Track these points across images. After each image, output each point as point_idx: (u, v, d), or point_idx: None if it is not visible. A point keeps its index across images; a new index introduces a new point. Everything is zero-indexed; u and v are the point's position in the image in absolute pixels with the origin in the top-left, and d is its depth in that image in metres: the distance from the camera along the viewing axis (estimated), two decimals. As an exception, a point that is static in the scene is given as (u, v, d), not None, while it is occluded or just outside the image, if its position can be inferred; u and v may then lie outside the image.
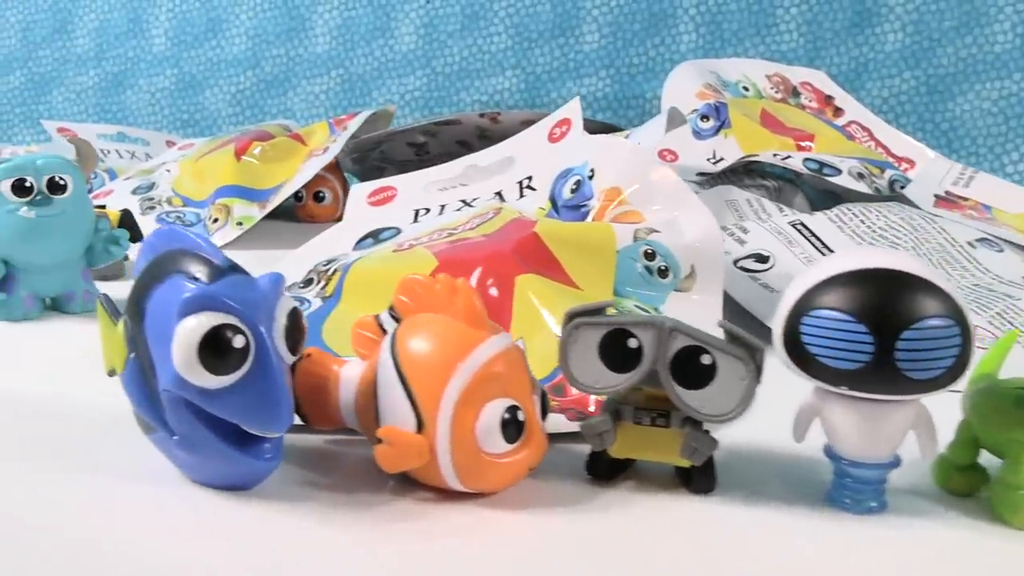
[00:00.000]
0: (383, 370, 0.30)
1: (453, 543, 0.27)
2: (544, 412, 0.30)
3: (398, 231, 0.56)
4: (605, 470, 0.31)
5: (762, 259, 0.55)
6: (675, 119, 0.66)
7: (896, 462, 0.29)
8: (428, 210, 0.57)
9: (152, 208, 0.76)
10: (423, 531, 0.28)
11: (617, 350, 0.29)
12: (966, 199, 0.67)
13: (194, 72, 1.06)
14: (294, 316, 0.29)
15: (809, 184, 0.79)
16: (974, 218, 0.63)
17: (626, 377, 0.29)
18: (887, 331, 0.26)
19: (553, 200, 0.53)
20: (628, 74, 0.99)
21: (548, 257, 0.45)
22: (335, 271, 0.51)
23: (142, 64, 1.07)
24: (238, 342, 0.27)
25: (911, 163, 0.85)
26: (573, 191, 0.52)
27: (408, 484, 0.30)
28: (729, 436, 0.33)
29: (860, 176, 0.73)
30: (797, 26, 0.96)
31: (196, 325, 0.27)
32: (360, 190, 0.61)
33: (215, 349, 0.27)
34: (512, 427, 0.28)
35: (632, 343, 0.29)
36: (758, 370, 0.28)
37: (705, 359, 0.28)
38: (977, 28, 0.92)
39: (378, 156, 0.90)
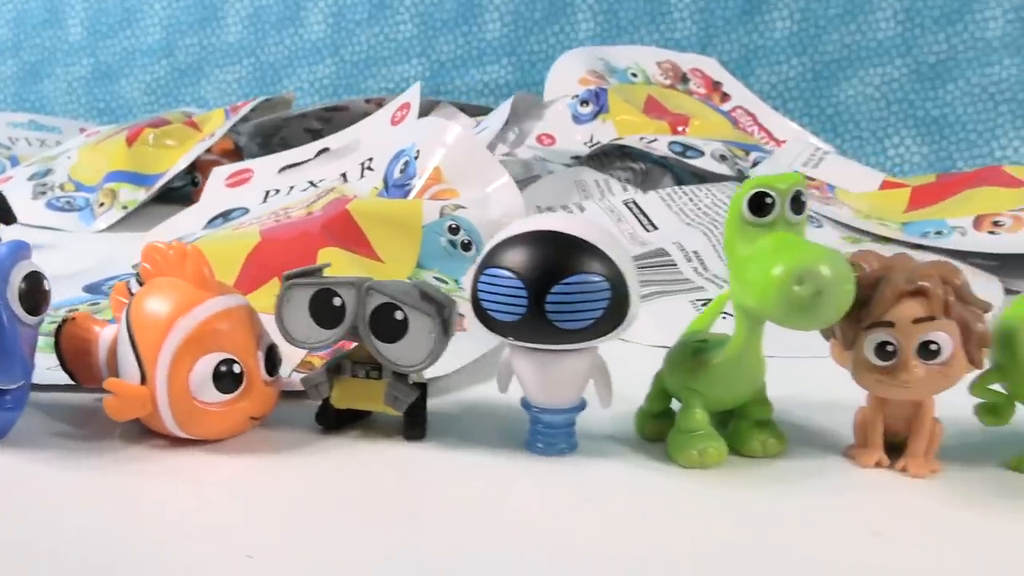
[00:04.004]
0: (120, 330, 0.32)
1: (169, 482, 0.30)
2: (272, 367, 0.33)
3: (246, 211, 0.59)
4: (331, 420, 0.34)
5: (590, 235, 0.57)
6: (521, 104, 0.68)
7: (581, 406, 0.32)
8: (278, 191, 0.60)
9: (43, 193, 0.79)
10: (144, 472, 0.31)
11: (325, 308, 0.31)
12: (813, 179, 0.69)
13: (110, 61, 1.08)
14: (32, 279, 0.32)
15: (681, 167, 0.82)
16: (815, 197, 0.66)
17: (332, 333, 0.31)
18: (537, 286, 0.29)
19: (386, 180, 0.56)
20: (529, 62, 1.01)
21: (357, 232, 0.48)
22: (179, 248, 0.53)
23: (59, 54, 1.09)
24: (-33, 301, 0.30)
25: (791, 146, 0.88)
26: (402, 171, 0.55)
27: (147, 433, 0.33)
28: (458, 391, 0.36)
29: (723, 158, 0.75)
30: (690, 14, 0.99)
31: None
32: (220, 172, 0.64)
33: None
34: (228, 379, 0.31)
35: (337, 301, 0.31)
36: (445, 324, 0.31)
37: (398, 315, 0.31)
38: (860, 15, 0.95)
39: (279, 141, 0.93)
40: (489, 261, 0.30)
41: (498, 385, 0.33)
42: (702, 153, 0.75)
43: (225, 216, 0.59)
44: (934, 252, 0.57)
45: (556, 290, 0.29)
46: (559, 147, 0.83)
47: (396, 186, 0.54)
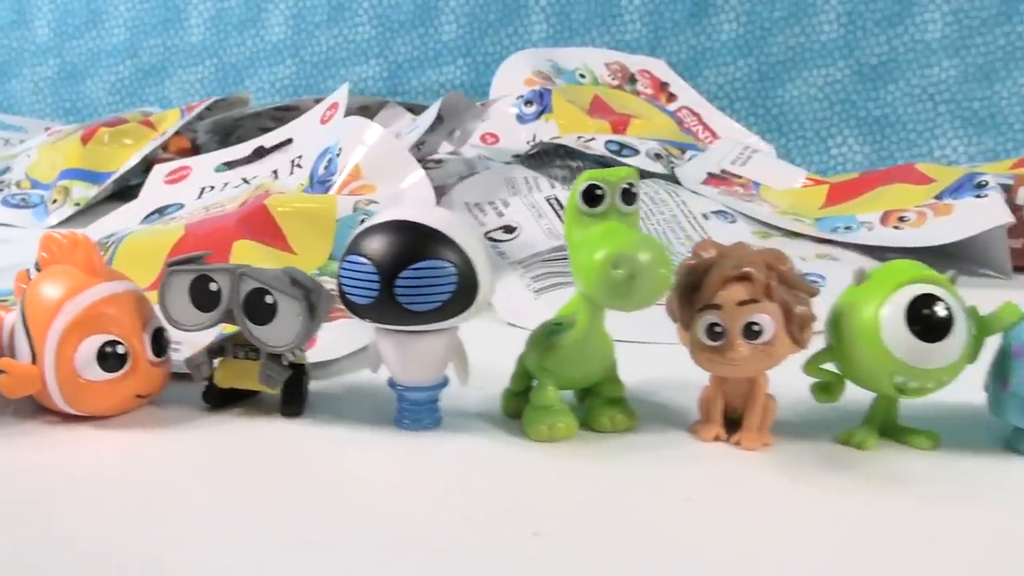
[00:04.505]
0: (16, 313, 0.35)
1: (57, 455, 0.33)
2: (159, 349, 0.35)
3: (181, 206, 0.61)
4: (216, 399, 0.36)
5: (510, 230, 0.60)
6: (456, 104, 0.70)
7: (443, 384, 0.34)
8: (213, 187, 0.62)
9: (0, 190, 0.81)
10: (33, 446, 0.33)
11: (202, 293, 0.34)
12: (739, 176, 0.72)
13: (75, 62, 1.11)
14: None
15: (617, 165, 0.84)
16: (739, 194, 0.69)
17: (209, 316, 0.34)
18: (387, 271, 0.31)
19: (312, 177, 0.58)
20: (484, 63, 1.04)
21: (272, 226, 0.50)
22: (113, 243, 0.56)
23: (26, 54, 1.11)
24: None
25: (734, 145, 0.90)
26: (326, 168, 0.57)
27: (41, 410, 0.35)
28: (348, 374, 0.39)
29: (657, 156, 0.78)
30: (640, 16, 1.01)
31: None
32: (160, 170, 0.66)
33: None
34: (112, 359, 0.34)
35: (213, 287, 0.34)
36: (312, 308, 0.33)
37: (268, 299, 0.33)
38: (805, 18, 0.98)
39: (236, 140, 0.95)
40: (349, 249, 0.32)
41: (369, 366, 0.35)
42: (637, 152, 0.77)
43: (161, 212, 0.61)
44: (842, 247, 0.60)
45: (404, 275, 0.31)
46: (502, 146, 0.85)
47: (320, 182, 0.56)
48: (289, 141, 0.63)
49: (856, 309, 0.32)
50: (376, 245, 0.31)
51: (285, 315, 0.33)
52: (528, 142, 0.83)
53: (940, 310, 0.31)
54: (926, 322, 0.31)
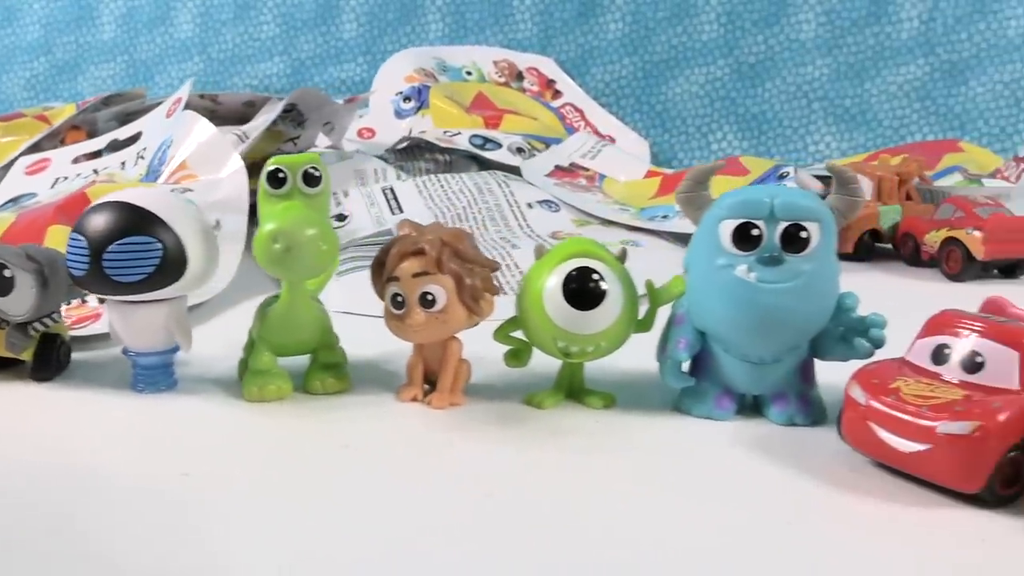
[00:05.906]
0: None
1: None
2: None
3: (34, 195, 0.65)
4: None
5: (341, 218, 0.63)
6: (310, 99, 0.74)
7: (174, 349, 0.38)
8: (67, 178, 0.66)
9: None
10: None
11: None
12: (587, 169, 0.76)
13: (-8, 58, 1.14)
14: None
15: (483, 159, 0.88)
16: (580, 185, 0.72)
17: (-43, 288, 0.37)
18: (95, 246, 0.35)
19: (149, 167, 0.62)
20: (383, 59, 1.07)
21: (91, 212, 0.53)
22: (-38, 229, 0.59)
23: (-57, 51, 1.15)
24: None
25: (613, 140, 0.94)
26: (159, 160, 0.60)
27: None
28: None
29: (520, 151, 0.82)
30: (531, 16, 1.05)
31: None
32: (22, 162, 0.69)
33: None
34: None
35: (-38, 263, 0.37)
36: (45, 280, 0.37)
37: (7, 272, 0.37)
38: (687, 18, 1.01)
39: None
40: (73, 227, 0.36)
41: (112, 336, 0.39)
42: (500, 146, 0.81)
43: (15, 201, 0.65)
44: (653, 234, 0.64)
45: (111, 249, 0.34)
46: (378, 140, 0.89)
47: (153, 172, 0.60)
48: (140, 135, 0.67)
49: (531, 281, 0.36)
50: (91, 223, 0.35)
51: (22, 287, 0.37)
52: (404, 135, 0.87)
53: (592, 281, 0.35)
54: (579, 292, 0.34)
